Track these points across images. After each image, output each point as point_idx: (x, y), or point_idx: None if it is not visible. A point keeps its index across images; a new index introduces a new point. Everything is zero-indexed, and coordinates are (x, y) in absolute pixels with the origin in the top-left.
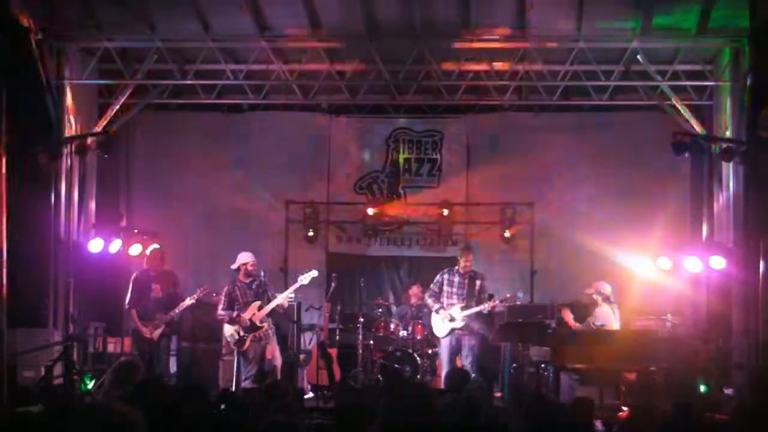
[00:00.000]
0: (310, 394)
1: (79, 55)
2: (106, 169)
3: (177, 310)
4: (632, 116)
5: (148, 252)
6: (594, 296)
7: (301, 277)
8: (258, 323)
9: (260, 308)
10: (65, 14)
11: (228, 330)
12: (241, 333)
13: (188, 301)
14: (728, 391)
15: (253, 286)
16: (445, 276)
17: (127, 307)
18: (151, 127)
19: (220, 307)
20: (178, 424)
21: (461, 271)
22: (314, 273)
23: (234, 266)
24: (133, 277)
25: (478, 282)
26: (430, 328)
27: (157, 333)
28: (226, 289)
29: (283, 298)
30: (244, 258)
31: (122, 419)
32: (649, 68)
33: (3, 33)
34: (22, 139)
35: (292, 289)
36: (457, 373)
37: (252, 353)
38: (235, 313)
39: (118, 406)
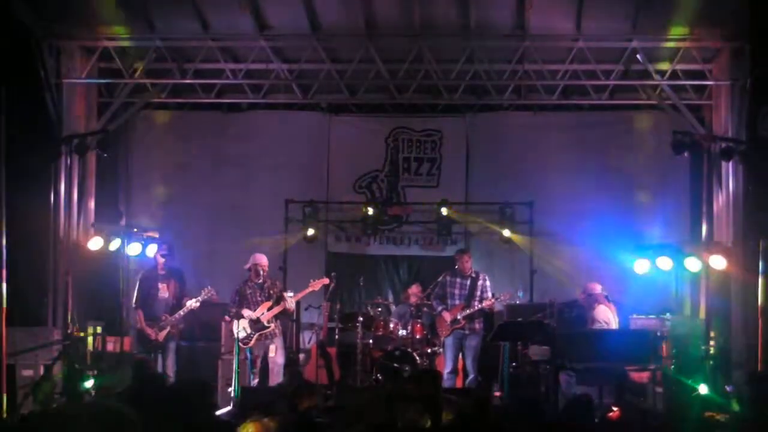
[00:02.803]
0: None
1: (78, 54)
2: (105, 168)
3: (182, 312)
4: (632, 115)
5: (155, 250)
6: (589, 298)
7: (312, 283)
8: (266, 323)
9: (269, 309)
10: (65, 13)
11: (236, 326)
12: (248, 330)
13: (194, 303)
14: (729, 389)
15: (264, 287)
16: (448, 278)
17: (133, 306)
18: (151, 126)
19: (231, 304)
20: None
21: (462, 272)
22: (326, 281)
23: (247, 266)
24: (140, 277)
25: (479, 283)
26: (430, 327)
27: (162, 334)
28: (237, 287)
29: (293, 302)
30: (258, 259)
31: (121, 418)
32: (649, 67)
33: (3, 33)
34: (21, 139)
35: (302, 293)
36: None
37: (257, 351)
38: (238, 310)
39: (116, 406)
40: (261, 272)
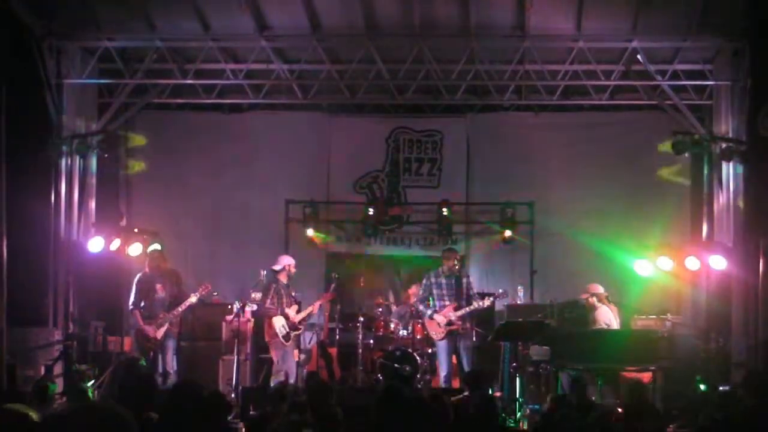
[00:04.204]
0: None
1: (79, 55)
2: (106, 169)
3: (180, 309)
4: (632, 116)
5: (147, 253)
6: (590, 299)
7: (323, 296)
8: (297, 325)
9: (297, 311)
10: (65, 14)
11: (278, 322)
12: (287, 329)
13: (192, 299)
14: (723, 388)
15: (289, 288)
16: (432, 279)
17: (130, 308)
18: (151, 127)
19: (268, 300)
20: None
21: (446, 272)
22: (332, 296)
23: (278, 267)
24: (136, 279)
25: (464, 280)
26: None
27: (160, 332)
28: (273, 286)
29: (317, 306)
30: (289, 260)
31: (116, 420)
32: (649, 68)
33: (3, 33)
34: (22, 139)
35: (317, 303)
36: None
37: (290, 350)
38: (281, 308)
39: (112, 407)
40: (291, 274)
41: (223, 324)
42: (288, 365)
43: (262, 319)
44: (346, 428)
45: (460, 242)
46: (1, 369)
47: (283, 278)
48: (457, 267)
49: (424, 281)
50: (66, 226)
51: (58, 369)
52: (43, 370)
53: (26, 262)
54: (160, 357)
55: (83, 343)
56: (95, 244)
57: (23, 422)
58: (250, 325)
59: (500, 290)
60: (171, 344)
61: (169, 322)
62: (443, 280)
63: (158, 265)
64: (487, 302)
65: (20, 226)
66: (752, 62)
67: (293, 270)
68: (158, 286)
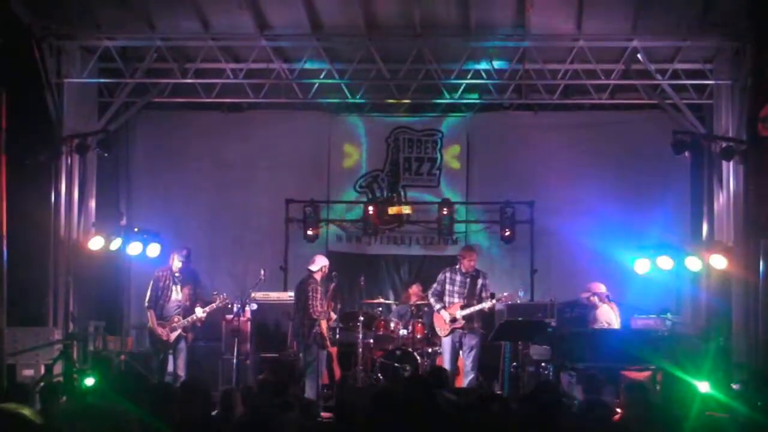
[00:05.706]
0: None
1: (79, 54)
2: (106, 168)
3: (189, 320)
4: (632, 115)
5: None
6: (591, 298)
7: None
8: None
9: None
10: (65, 13)
11: (324, 325)
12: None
13: (207, 309)
14: (735, 387)
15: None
16: (447, 275)
17: (146, 305)
18: (151, 126)
19: (319, 304)
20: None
21: (463, 270)
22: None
23: (315, 267)
24: (154, 276)
25: (479, 281)
26: (430, 326)
27: (173, 336)
28: (318, 288)
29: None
30: (325, 261)
31: (119, 419)
32: (649, 67)
33: (3, 33)
34: (22, 139)
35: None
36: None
37: (315, 352)
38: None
39: (114, 407)
40: (325, 275)
41: (223, 324)
42: (323, 365)
43: (294, 321)
44: (345, 428)
45: (460, 242)
46: (1, 369)
47: (318, 278)
48: (461, 264)
49: (440, 275)
50: (66, 225)
51: (57, 369)
52: (43, 370)
53: (26, 261)
54: (171, 358)
55: (83, 342)
56: (95, 244)
57: (19, 421)
58: (250, 324)
59: (505, 293)
60: (183, 347)
61: (181, 328)
62: (458, 278)
63: (179, 266)
64: (490, 303)
65: (20, 225)
66: (752, 62)
67: (327, 272)
68: (175, 288)
